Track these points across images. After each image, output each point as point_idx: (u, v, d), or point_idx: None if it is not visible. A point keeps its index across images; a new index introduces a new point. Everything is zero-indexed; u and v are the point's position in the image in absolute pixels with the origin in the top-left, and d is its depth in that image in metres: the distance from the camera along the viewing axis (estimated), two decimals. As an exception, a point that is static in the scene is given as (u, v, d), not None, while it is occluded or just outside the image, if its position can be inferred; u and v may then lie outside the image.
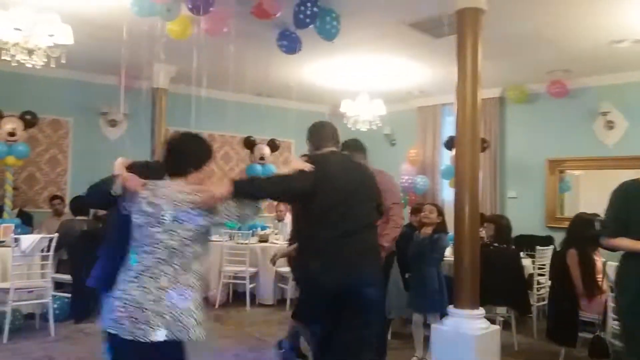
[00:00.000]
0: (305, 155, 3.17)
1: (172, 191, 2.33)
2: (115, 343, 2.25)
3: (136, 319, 2.17)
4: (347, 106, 7.67)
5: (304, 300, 3.18)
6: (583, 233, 4.75)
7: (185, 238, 2.28)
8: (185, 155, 2.45)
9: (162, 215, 2.28)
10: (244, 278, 6.72)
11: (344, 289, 2.92)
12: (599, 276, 4.69)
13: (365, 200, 3.11)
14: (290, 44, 5.37)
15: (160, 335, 2.17)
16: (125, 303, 2.21)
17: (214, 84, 5.75)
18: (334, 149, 3.20)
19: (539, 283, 5.70)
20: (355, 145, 4.06)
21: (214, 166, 2.55)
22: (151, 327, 2.16)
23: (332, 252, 2.90)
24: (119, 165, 2.53)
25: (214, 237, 4.37)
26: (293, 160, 2.89)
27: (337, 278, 2.89)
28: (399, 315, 5.54)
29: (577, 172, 7.86)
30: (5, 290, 5.07)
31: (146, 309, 2.18)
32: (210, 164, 2.49)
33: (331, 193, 2.92)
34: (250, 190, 2.60)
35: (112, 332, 2.23)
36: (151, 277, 2.24)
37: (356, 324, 2.97)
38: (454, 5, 4.38)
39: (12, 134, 6.47)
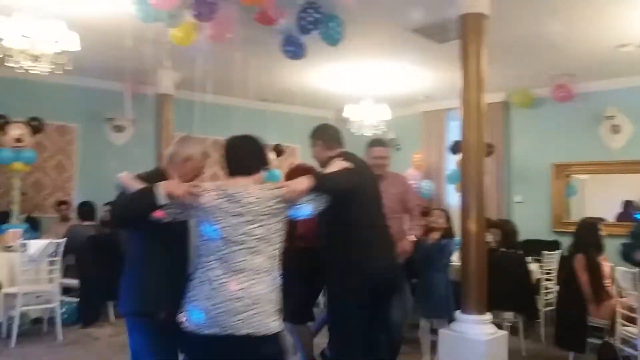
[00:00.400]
0: (341, 154, 3.25)
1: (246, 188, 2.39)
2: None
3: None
4: (351, 111, 7.67)
5: (342, 299, 3.21)
6: (589, 238, 4.76)
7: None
8: (250, 155, 2.54)
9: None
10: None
11: (386, 277, 3.23)
12: (608, 281, 4.69)
13: (379, 196, 3.39)
14: (296, 50, 5.38)
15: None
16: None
17: (219, 89, 5.76)
18: (342, 149, 3.34)
19: (546, 288, 5.67)
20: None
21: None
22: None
23: (375, 244, 3.20)
24: (127, 179, 2.55)
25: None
26: (336, 162, 2.98)
27: (382, 267, 3.18)
28: (406, 320, 5.54)
29: (583, 177, 7.83)
30: (14, 295, 5.11)
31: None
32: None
33: (365, 190, 3.17)
34: (328, 185, 2.69)
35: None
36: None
37: (396, 307, 3.44)
38: (457, 10, 4.38)
39: (19, 140, 6.52)
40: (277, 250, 2.40)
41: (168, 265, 2.57)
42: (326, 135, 3.35)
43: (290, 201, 2.45)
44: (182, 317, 2.32)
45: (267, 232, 2.36)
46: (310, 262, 3.69)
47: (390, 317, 3.45)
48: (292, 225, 3.74)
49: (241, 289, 2.26)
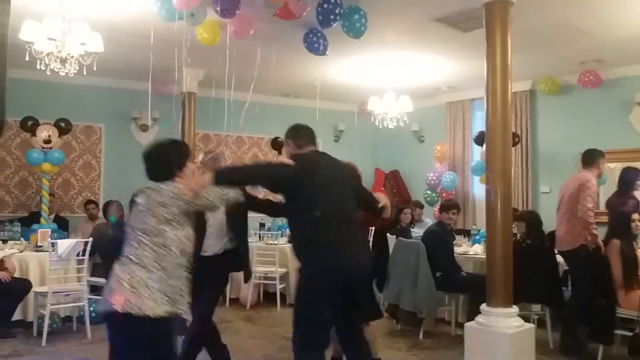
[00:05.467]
0: (291, 154, 3.35)
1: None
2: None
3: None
4: (374, 104, 7.63)
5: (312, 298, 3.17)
6: (624, 226, 4.70)
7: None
8: (166, 160, 2.68)
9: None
10: (274, 278, 6.75)
11: (351, 272, 3.16)
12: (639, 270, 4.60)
13: (349, 194, 3.35)
14: (318, 45, 5.36)
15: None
16: None
17: (241, 86, 5.78)
18: (314, 148, 3.40)
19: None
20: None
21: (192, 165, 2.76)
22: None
23: (333, 239, 3.12)
24: None
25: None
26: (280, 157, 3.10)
27: (346, 262, 3.10)
28: (431, 314, 5.51)
29: (612, 165, 7.64)
30: (44, 294, 5.21)
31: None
32: (189, 163, 2.71)
33: (318, 185, 3.14)
34: (231, 176, 2.91)
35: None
36: None
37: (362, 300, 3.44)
38: (481, -2, 4.31)
39: (47, 141, 6.65)
40: (167, 240, 2.53)
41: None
42: (298, 135, 3.40)
43: (191, 198, 2.55)
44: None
45: (155, 225, 2.50)
46: None
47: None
48: None
49: (127, 273, 2.47)
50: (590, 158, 5.03)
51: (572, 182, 5.04)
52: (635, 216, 4.72)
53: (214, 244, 3.77)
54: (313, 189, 3.13)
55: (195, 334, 3.70)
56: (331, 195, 3.17)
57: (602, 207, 7.08)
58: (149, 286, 2.45)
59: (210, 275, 3.66)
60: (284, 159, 3.17)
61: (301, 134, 3.40)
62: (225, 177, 2.83)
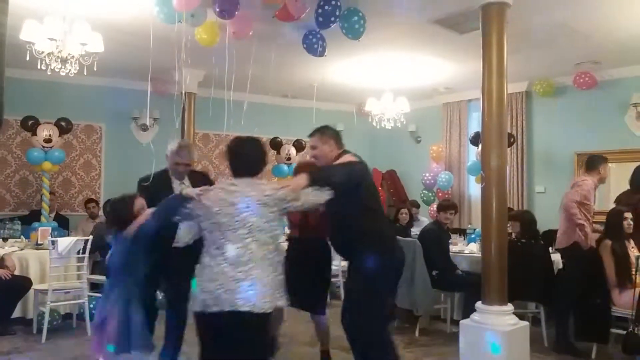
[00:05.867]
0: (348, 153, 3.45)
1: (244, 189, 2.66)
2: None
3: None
4: (372, 104, 7.68)
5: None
6: (617, 225, 4.75)
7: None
8: (254, 158, 2.80)
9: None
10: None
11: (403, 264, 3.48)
12: (632, 269, 4.65)
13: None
14: (322, 45, 5.41)
15: None
16: None
17: (241, 86, 5.83)
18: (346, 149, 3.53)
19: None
20: None
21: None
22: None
23: (392, 231, 3.68)
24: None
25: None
26: (345, 156, 3.28)
27: (401, 254, 3.46)
28: (427, 312, 5.57)
29: (608, 165, 7.70)
30: (44, 291, 5.26)
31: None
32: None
33: (372, 181, 3.49)
34: (324, 177, 2.95)
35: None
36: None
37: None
38: (478, 0, 4.37)
39: (48, 141, 6.70)
40: (272, 239, 2.66)
41: None
42: (337, 135, 3.50)
43: (291, 199, 2.68)
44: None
45: (261, 222, 2.61)
46: (320, 252, 3.89)
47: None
48: (304, 217, 3.85)
49: (240, 272, 2.53)
50: (591, 164, 5.19)
51: (571, 184, 5.21)
52: (627, 215, 4.78)
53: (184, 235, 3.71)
54: (371, 185, 3.42)
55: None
56: (376, 192, 3.51)
57: (602, 207, 7.16)
58: (266, 283, 2.59)
59: (181, 266, 3.53)
60: (349, 156, 3.27)
61: (339, 134, 3.54)
62: (320, 178, 2.90)
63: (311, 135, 3.54)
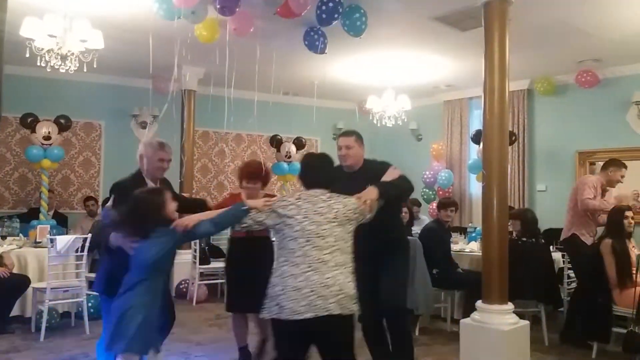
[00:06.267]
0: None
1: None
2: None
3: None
4: (373, 102, 7.66)
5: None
6: (618, 224, 4.74)
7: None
8: (325, 172, 3.00)
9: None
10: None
11: None
12: (633, 268, 4.64)
13: None
14: (324, 42, 5.39)
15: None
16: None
17: (241, 84, 5.81)
18: None
19: (569, 277, 5.61)
20: None
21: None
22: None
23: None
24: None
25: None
26: (391, 170, 3.52)
27: None
28: (427, 311, 5.55)
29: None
30: (42, 290, 5.24)
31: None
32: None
33: None
34: (394, 193, 3.25)
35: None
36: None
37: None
38: (480, -3, 4.34)
39: (47, 138, 6.67)
40: (349, 247, 2.84)
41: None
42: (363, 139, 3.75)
43: (367, 213, 2.93)
44: (267, 313, 2.73)
45: (344, 234, 2.81)
46: (267, 251, 4.08)
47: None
48: None
49: (328, 278, 2.67)
50: (604, 164, 5.59)
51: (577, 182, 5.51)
52: (628, 213, 4.77)
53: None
54: None
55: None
56: None
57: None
58: (348, 287, 2.77)
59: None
60: (398, 171, 3.52)
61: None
62: (390, 191, 3.15)
63: (345, 134, 3.72)
